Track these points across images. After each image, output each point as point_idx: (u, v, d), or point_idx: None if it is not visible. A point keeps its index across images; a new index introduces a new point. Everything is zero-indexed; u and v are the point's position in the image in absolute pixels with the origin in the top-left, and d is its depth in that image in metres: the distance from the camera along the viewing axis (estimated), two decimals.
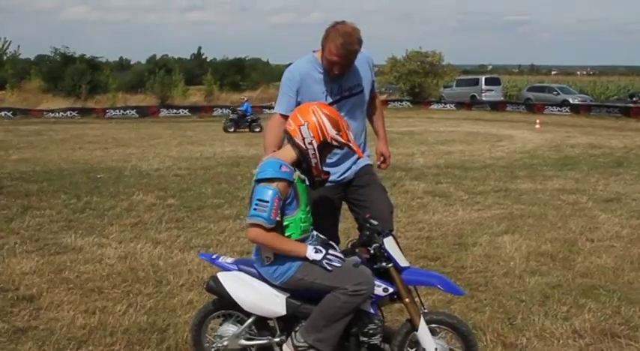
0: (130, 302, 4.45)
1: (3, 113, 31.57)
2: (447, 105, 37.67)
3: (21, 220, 7.15)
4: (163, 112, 35.83)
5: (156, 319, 4.13)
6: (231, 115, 24.58)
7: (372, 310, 3.25)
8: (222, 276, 3.31)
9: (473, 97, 38.32)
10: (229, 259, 3.44)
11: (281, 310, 3.22)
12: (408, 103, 39.11)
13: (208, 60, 68.04)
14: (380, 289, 3.22)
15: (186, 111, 36.54)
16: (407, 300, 3.24)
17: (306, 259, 3.06)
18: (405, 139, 19.05)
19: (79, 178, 10.46)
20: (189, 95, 43.47)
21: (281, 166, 3.07)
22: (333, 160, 3.80)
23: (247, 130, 23.50)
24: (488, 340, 3.92)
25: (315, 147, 3.12)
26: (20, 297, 4.56)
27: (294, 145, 3.15)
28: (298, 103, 3.65)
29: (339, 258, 3.14)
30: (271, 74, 64.44)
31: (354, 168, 3.95)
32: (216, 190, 9.42)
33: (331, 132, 3.12)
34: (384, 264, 3.23)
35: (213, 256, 3.48)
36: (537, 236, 6.49)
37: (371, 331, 3.28)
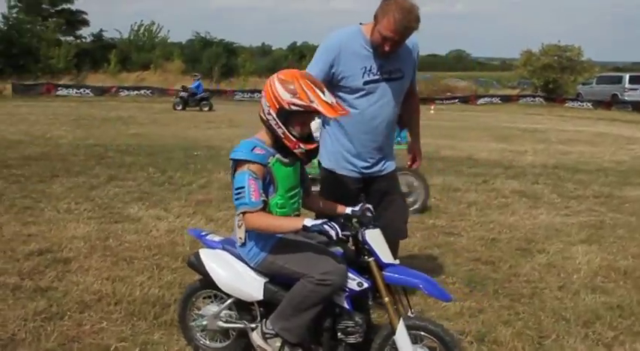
0: (151, 274, 4.50)
1: (143, 91, 33.88)
2: (584, 103, 35.05)
3: (102, 189, 7.55)
4: None
5: (165, 294, 4.13)
6: (180, 93, 24.36)
7: (346, 305, 3.00)
8: (203, 253, 3.22)
9: (614, 95, 35.32)
10: (217, 238, 3.34)
11: (258, 294, 3.07)
12: (541, 100, 36.88)
13: None
14: (354, 282, 2.97)
15: None
16: (386, 299, 2.95)
17: (305, 228, 2.79)
18: (525, 136, 18.02)
19: (175, 154, 10.89)
20: None
21: (254, 147, 2.92)
22: (365, 151, 3.61)
23: (197, 108, 23.24)
24: None
25: (275, 116, 2.88)
26: (57, 259, 4.78)
27: (261, 119, 2.97)
28: (332, 75, 3.45)
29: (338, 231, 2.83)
30: None
31: (381, 168, 3.71)
32: None
33: (285, 96, 2.83)
34: (365, 258, 2.98)
35: (202, 233, 3.40)
36: (619, 250, 5.77)
37: (349, 329, 3.03)
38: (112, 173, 8.62)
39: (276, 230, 2.89)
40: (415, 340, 2.97)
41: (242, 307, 3.23)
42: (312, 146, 2.99)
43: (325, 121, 3.66)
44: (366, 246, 2.96)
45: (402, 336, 2.92)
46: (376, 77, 3.46)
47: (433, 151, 12.97)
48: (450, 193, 8.17)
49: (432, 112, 29.26)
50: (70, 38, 47.11)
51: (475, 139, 16.32)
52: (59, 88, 32.20)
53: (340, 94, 3.49)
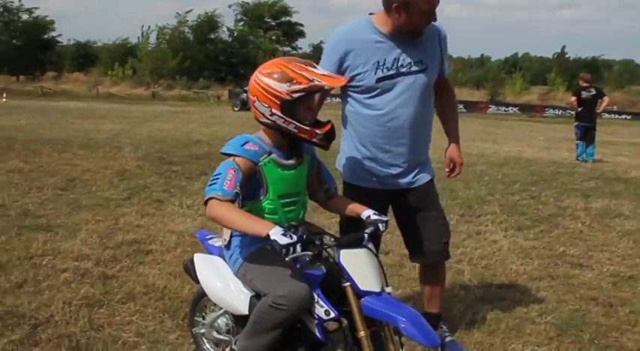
0: None
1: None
2: None
3: None
4: (492, 109, 35.20)
5: None
6: (242, 95, 24.61)
7: (317, 334, 2.61)
8: (198, 258, 3.05)
9: None
10: (219, 242, 3.14)
11: (243, 308, 2.78)
12: None
13: (571, 59, 64.46)
14: (322, 310, 2.57)
15: (515, 109, 35.32)
16: (362, 334, 2.51)
17: (267, 237, 2.42)
18: None
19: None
20: (525, 94, 41.86)
21: (246, 142, 2.67)
22: (386, 158, 3.17)
23: None
24: None
25: (280, 114, 2.59)
26: (141, 250, 4.99)
27: (263, 124, 2.71)
28: (342, 75, 3.04)
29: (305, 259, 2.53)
30: (632, 75, 58.07)
31: (411, 179, 3.23)
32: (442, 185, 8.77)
33: (282, 88, 2.55)
34: (344, 283, 2.56)
35: (207, 236, 3.20)
36: None
37: None
38: None
39: (235, 227, 2.54)
40: None
41: (239, 317, 2.99)
42: (328, 127, 2.67)
43: (343, 120, 3.27)
44: (340, 269, 2.55)
45: None
46: (391, 72, 3.01)
47: (621, 171, 11.37)
48: (607, 219, 7.00)
49: None
50: (287, 48, 50.50)
51: None
52: None
53: (351, 94, 3.10)
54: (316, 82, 2.56)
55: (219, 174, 2.58)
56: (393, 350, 2.60)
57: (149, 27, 46.04)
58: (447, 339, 3.52)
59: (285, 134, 2.66)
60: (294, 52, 50.93)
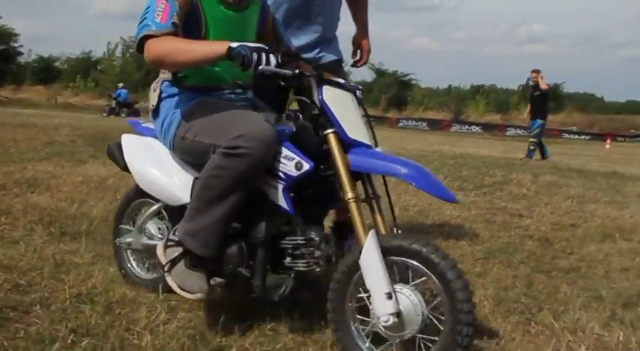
0: None
1: None
2: None
3: None
4: (455, 127, 35.35)
5: None
6: (112, 103, 25.61)
7: (284, 204, 2.02)
8: (126, 140, 2.45)
9: None
10: (153, 126, 2.47)
11: (183, 194, 2.21)
12: None
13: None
14: (292, 163, 1.99)
15: (478, 128, 35.55)
16: (349, 195, 1.93)
17: (229, 55, 1.93)
18: None
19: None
20: (488, 115, 42.70)
21: None
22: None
23: (124, 115, 23.14)
24: None
25: None
26: (38, 184, 4.50)
27: None
28: None
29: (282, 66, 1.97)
30: (592, 106, 60.20)
31: (314, 55, 2.83)
32: None
33: None
34: (325, 131, 1.99)
35: (141, 121, 2.62)
36: None
37: (299, 251, 2.06)
38: None
39: (186, 58, 2.02)
40: (402, 276, 1.89)
41: (175, 213, 2.30)
42: None
43: None
44: (324, 109, 1.99)
45: (368, 260, 1.83)
46: None
47: (575, 164, 11.20)
48: (554, 187, 6.67)
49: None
50: None
51: None
52: None
53: None
54: None
55: (148, 7, 2.08)
56: (381, 222, 2.04)
57: (116, 44, 45.09)
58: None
59: None
60: None
